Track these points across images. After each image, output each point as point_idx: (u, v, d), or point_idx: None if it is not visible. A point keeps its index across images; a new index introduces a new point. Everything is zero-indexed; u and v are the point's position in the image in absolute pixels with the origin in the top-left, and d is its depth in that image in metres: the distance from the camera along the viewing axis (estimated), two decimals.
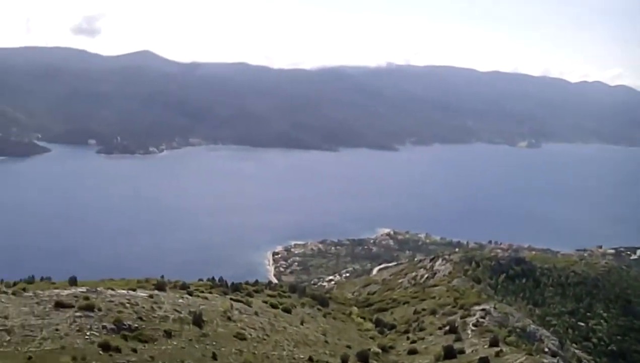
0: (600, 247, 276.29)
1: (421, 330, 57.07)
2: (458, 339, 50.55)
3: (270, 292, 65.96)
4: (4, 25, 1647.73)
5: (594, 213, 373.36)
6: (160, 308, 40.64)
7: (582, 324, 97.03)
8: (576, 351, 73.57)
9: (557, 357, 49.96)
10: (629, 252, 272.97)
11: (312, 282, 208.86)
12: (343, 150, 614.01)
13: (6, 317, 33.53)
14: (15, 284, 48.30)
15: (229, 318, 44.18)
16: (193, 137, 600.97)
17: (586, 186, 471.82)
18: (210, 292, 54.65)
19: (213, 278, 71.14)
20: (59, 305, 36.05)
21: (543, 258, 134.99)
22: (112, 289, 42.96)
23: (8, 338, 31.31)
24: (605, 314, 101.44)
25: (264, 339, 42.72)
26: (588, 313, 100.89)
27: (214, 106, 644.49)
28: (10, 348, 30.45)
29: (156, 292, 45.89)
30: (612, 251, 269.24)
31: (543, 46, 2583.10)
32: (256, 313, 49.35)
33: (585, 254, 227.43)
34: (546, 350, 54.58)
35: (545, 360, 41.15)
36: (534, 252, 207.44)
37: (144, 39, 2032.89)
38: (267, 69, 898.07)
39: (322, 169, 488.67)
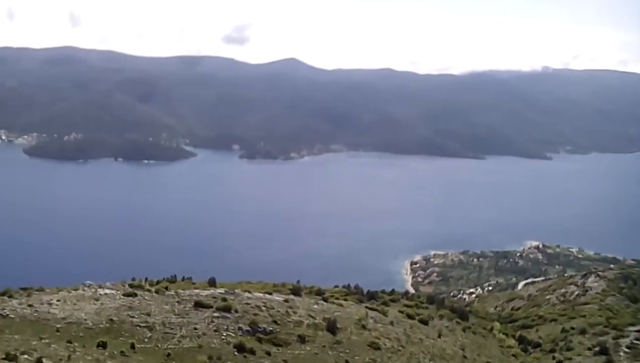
0: None
1: (569, 350, 53.98)
2: (609, 361, 47.51)
3: (407, 302, 65.18)
4: (160, 35, 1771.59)
5: None
6: (295, 313, 41.33)
7: None
8: None
9: None
10: None
11: (452, 294, 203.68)
12: (490, 158, 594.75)
13: (149, 314, 35.66)
14: (158, 283, 50.94)
15: (364, 327, 43.97)
16: (334, 143, 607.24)
17: None
18: (345, 299, 54.90)
19: (349, 285, 71.38)
20: (198, 305, 37.72)
21: None
22: (249, 292, 44.35)
23: (149, 334, 33.24)
24: None
25: (399, 350, 42.03)
26: None
27: (356, 112, 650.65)
28: (151, 345, 32.21)
29: (292, 296, 46.85)
30: None
31: None
32: (391, 323, 48.81)
33: None
34: None
35: None
36: None
37: (290, 47, 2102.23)
38: (413, 75, 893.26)
39: (466, 177, 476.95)
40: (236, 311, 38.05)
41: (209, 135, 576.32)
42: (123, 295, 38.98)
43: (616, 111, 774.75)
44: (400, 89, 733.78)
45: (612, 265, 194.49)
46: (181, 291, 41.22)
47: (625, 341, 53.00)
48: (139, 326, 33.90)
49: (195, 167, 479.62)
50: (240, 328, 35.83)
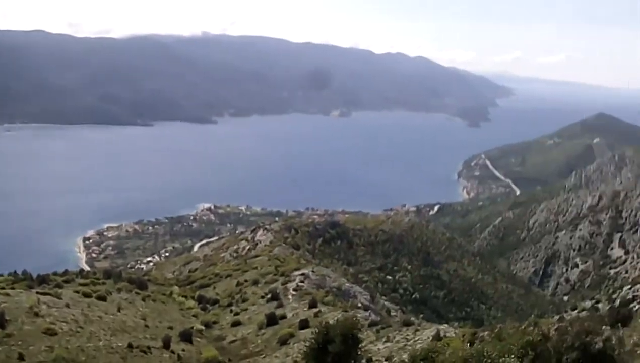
0: (404, 205, 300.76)
1: (244, 301, 57.40)
2: (280, 305, 51.57)
3: (82, 281, 61.88)
4: None
5: (399, 175, 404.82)
6: None
7: (390, 278, 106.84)
8: (385, 303, 79.45)
9: (369, 310, 53.39)
10: (428, 209, 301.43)
11: (129, 266, 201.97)
12: (159, 124, 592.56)
13: None
14: None
15: (36, 314, 40.69)
16: None
17: (391, 151, 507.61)
18: (12, 288, 50.04)
19: (15, 272, 65.19)
20: None
21: (355, 220, 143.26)
22: None
23: None
24: (409, 266, 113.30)
25: (78, 332, 40.00)
26: (395, 267, 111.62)
27: (7, 80, 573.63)
28: None
29: None
30: (414, 208, 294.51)
31: (353, 20, 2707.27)
32: (67, 305, 46.12)
33: (392, 213, 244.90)
34: (359, 305, 58.00)
35: (358, 314, 43.47)
36: (347, 215, 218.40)
37: None
38: (71, 38, 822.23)
39: (136, 145, 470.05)
40: None
41: None
42: None
43: (271, 76, 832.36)
44: (58, 53, 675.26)
45: (276, 218, 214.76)
46: None
47: (292, 285, 58.59)
48: None
49: None
50: None
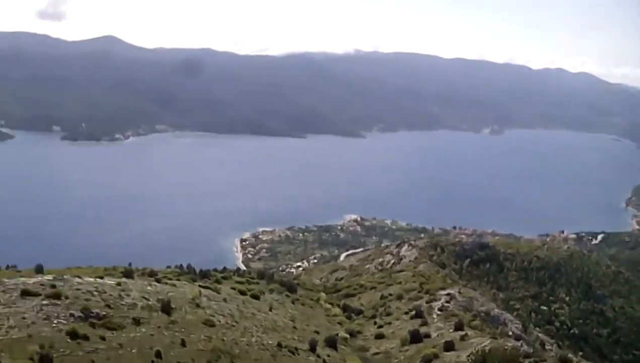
0: (563, 232, 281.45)
1: (388, 315, 57.30)
2: (424, 323, 50.76)
3: (238, 279, 65.59)
4: None
5: (557, 198, 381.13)
6: (128, 295, 39.97)
7: (545, 308, 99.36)
8: (539, 334, 74.56)
9: (521, 340, 50.57)
10: (590, 237, 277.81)
11: (280, 269, 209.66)
12: (310, 136, 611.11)
13: None
14: None
15: (198, 305, 43.71)
16: (159, 123, 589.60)
17: (547, 172, 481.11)
18: (178, 279, 54.16)
19: (181, 265, 70.61)
20: (25, 293, 35.24)
21: (506, 244, 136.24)
22: (79, 277, 42.14)
23: None
24: (567, 298, 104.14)
25: (233, 325, 42.32)
26: (551, 298, 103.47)
27: (179, 92, 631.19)
28: None
29: (124, 279, 45.20)
30: (574, 236, 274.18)
31: (508, 34, 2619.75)
32: (225, 300, 49.05)
33: (548, 239, 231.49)
34: (510, 333, 55.11)
35: (509, 344, 41.75)
36: (497, 237, 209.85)
37: (108, 24, 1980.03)
38: (234, 55, 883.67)
39: (289, 156, 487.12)
40: (66, 297, 35.89)
41: (26, 116, 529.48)
42: None
43: (420, 91, 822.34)
44: (222, 69, 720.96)
45: (422, 235, 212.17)
46: (6, 280, 38.16)
47: (437, 304, 57.33)
48: None
49: (13, 149, 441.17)
50: (72, 315, 33.83)
